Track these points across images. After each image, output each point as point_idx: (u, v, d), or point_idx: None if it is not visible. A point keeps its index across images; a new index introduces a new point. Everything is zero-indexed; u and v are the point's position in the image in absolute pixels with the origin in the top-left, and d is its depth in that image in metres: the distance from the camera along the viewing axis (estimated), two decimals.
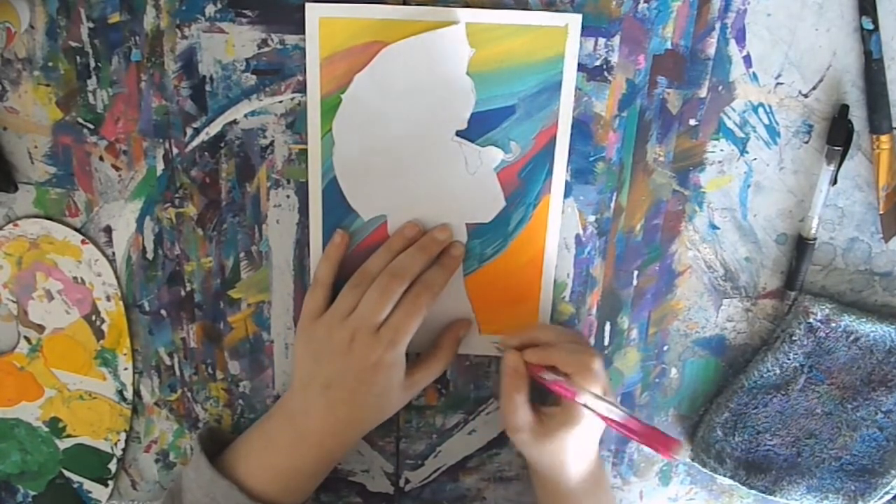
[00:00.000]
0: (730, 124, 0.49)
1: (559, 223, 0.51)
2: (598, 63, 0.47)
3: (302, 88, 0.48)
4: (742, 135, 0.49)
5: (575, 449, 0.49)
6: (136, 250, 0.52)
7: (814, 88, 0.48)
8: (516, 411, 0.49)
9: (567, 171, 0.50)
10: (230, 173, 0.50)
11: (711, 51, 0.47)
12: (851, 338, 0.52)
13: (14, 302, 0.53)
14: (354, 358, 0.47)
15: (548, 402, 0.50)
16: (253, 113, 0.48)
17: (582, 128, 0.49)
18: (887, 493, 0.56)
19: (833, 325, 0.52)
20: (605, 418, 0.45)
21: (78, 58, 0.47)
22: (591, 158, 0.50)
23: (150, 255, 0.52)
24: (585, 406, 0.46)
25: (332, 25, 0.46)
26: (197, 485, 0.48)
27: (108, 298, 0.53)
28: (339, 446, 0.50)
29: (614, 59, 0.47)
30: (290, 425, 0.49)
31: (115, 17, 0.46)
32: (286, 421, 0.49)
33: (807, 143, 0.49)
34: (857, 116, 0.48)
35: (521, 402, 0.49)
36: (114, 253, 0.52)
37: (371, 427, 0.50)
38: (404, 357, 0.48)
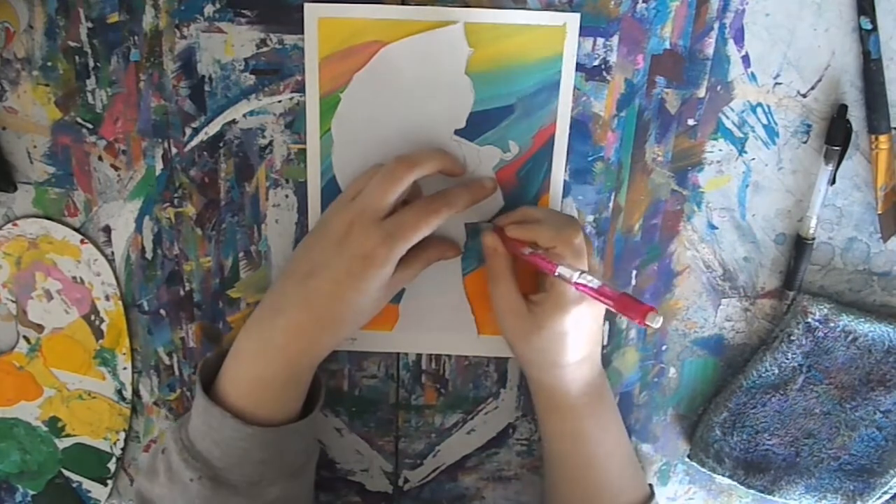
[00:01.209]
0: (728, 124, 0.49)
1: None
2: (596, 63, 0.47)
3: (301, 88, 0.48)
4: (741, 135, 0.49)
5: (569, 342, 0.47)
6: (135, 250, 0.52)
7: (812, 88, 0.48)
8: (502, 295, 0.48)
9: (565, 170, 0.50)
10: (229, 173, 0.50)
11: (710, 51, 0.47)
12: (850, 337, 0.52)
13: (13, 301, 0.53)
14: (349, 245, 0.43)
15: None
16: (252, 113, 0.48)
17: (580, 127, 0.49)
18: (886, 492, 0.56)
19: (831, 324, 0.52)
20: (579, 286, 0.43)
21: (77, 58, 0.47)
22: (590, 158, 0.50)
23: (149, 255, 0.52)
24: (561, 277, 0.44)
25: (330, 25, 0.46)
26: (196, 412, 0.46)
27: (108, 298, 0.53)
28: (302, 354, 0.45)
29: (613, 58, 0.47)
30: (256, 331, 0.46)
31: (113, 17, 0.46)
32: (254, 326, 0.46)
33: (805, 142, 0.49)
34: (856, 116, 0.48)
35: (507, 285, 0.48)
36: (113, 252, 0.52)
37: (338, 337, 0.46)
38: (396, 263, 0.44)
